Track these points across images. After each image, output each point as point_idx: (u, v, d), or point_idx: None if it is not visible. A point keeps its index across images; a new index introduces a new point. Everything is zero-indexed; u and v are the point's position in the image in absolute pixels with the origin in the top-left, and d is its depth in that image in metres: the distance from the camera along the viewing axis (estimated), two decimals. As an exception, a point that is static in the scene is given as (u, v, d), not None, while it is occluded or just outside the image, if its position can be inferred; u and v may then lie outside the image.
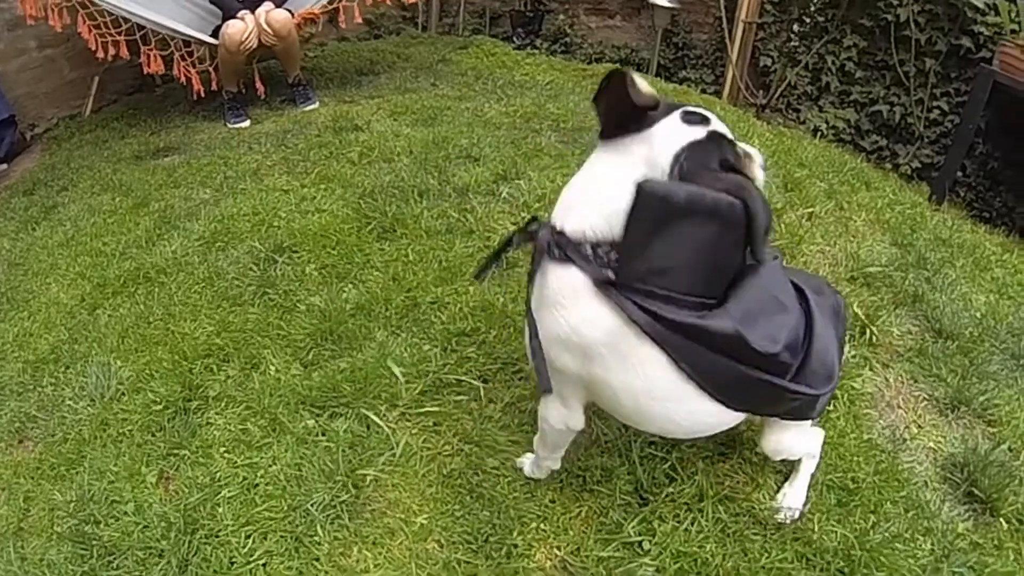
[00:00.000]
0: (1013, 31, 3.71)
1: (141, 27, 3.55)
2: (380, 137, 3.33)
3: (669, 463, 1.56)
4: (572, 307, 1.15)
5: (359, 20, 4.04)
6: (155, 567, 1.41)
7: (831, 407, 1.84)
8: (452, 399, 1.67)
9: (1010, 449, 1.84)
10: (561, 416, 1.29)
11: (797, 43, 4.66)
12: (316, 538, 1.40)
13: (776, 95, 4.68)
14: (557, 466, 1.47)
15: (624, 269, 1.11)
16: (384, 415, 1.63)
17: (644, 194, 1.08)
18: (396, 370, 1.70)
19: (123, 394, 1.87)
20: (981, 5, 4.01)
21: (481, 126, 3.43)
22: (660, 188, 1.09)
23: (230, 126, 3.82)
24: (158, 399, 1.80)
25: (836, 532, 1.51)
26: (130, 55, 3.60)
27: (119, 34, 3.51)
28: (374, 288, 2.09)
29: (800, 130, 4.54)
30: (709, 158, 1.13)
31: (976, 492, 1.67)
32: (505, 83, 4.28)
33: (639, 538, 1.41)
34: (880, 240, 2.75)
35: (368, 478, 1.49)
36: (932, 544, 1.53)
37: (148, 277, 2.40)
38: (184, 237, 2.62)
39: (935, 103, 4.46)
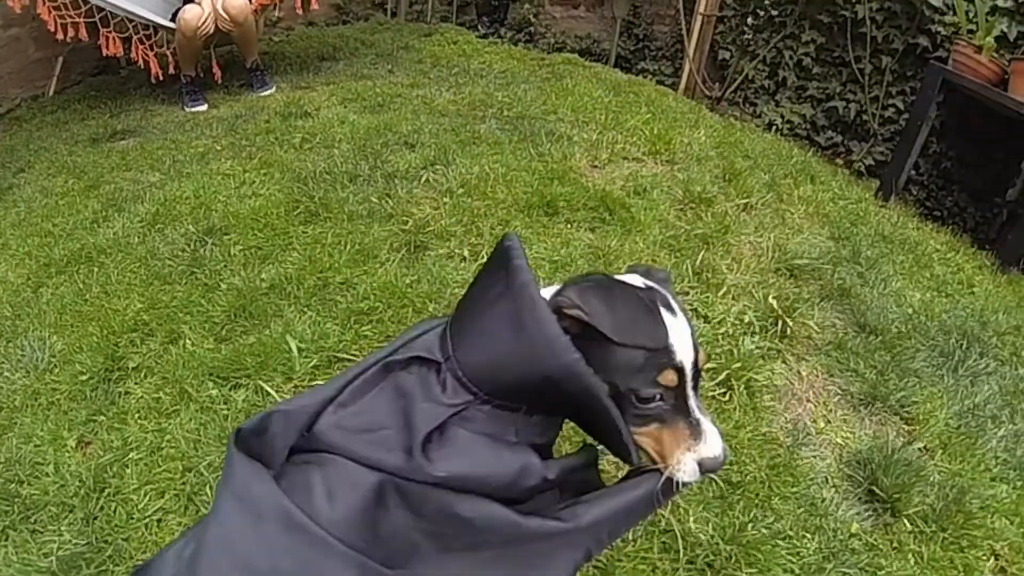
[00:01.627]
0: (970, 31, 3.85)
1: (100, 9, 3.72)
2: (326, 123, 3.52)
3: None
4: None
5: (315, 7, 4.22)
6: (65, 521, 1.62)
7: (728, 397, 1.95)
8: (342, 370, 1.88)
9: (925, 448, 1.95)
10: None
11: (753, 37, 4.84)
12: (204, 497, 1.61)
13: (732, 88, 4.87)
14: None
15: None
16: (279, 387, 1.84)
17: None
18: (293, 345, 1.91)
19: (55, 366, 2.07)
20: (939, 4, 4.15)
21: (427, 113, 3.62)
22: None
23: (187, 110, 4.00)
24: (84, 370, 2.00)
25: (710, 525, 1.61)
26: (90, 37, 3.78)
27: (78, 16, 3.69)
28: (290, 269, 2.29)
29: (755, 124, 4.72)
30: None
31: (876, 491, 1.77)
32: (460, 71, 4.46)
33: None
34: (817, 233, 2.88)
35: (255, 441, 1.70)
36: (820, 543, 1.62)
37: (90, 257, 2.58)
38: (127, 219, 2.80)
39: (890, 101, 4.64)
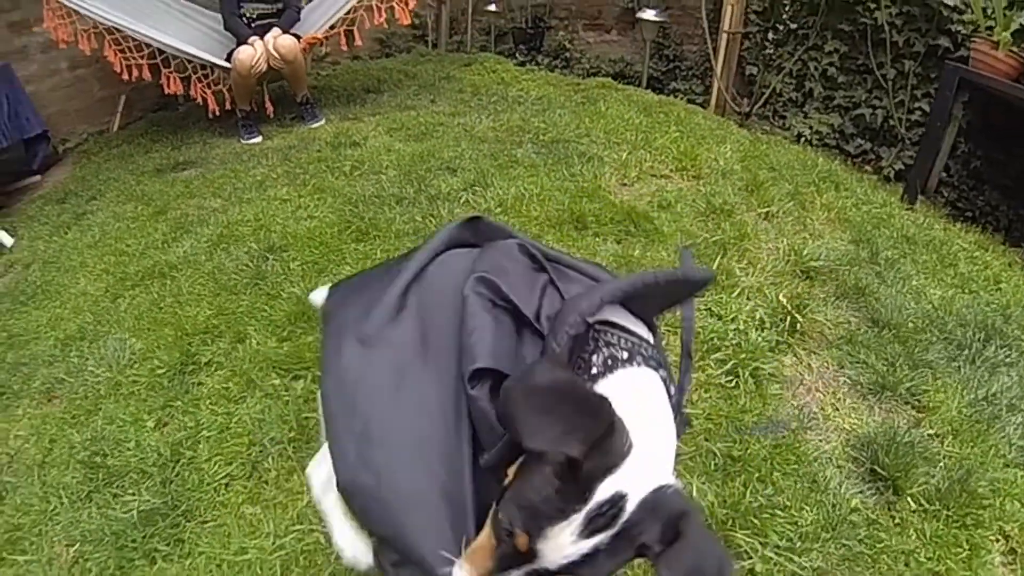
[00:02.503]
0: (988, 27, 3.87)
1: (162, 51, 4.11)
2: (373, 152, 3.84)
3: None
4: None
5: (359, 44, 4.56)
6: (144, 485, 1.90)
7: (733, 384, 2.13)
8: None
9: (935, 435, 2.05)
10: None
11: (774, 51, 5.03)
12: (267, 465, 1.88)
13: (760, 103, 5.07)
14: None
15: None
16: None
17: None
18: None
19: (135, 362, 2.37)
20: (956, 3, 4.20)
21: (467, 140, 3.91)
22: None
23: (243, 142, 4.36)
24: (161, 365, 2.30)
25: (711, 493, 1.78)
26: (152, 77, 4.17)
27: (142, 58, 4.09)
28: (342, 278, 2.57)
29: (784, 136, 4.90)
30: None
31: (879, 470, 1.88)
32: (499, 98, 4.76)
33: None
34: (838, 237, 3.04)
35: (311, 421, 1.97)
36: (818, 515, 1.74)
37: (162, 272, 2.91)
38: (195, 240, 3.13)
39: (916, 104, 4.71)
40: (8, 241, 3.58)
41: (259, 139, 4.39)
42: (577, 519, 0.85)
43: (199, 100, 4.35)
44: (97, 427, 2.12)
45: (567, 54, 6.11)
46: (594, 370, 1.05)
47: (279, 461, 1.90)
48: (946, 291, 2.75)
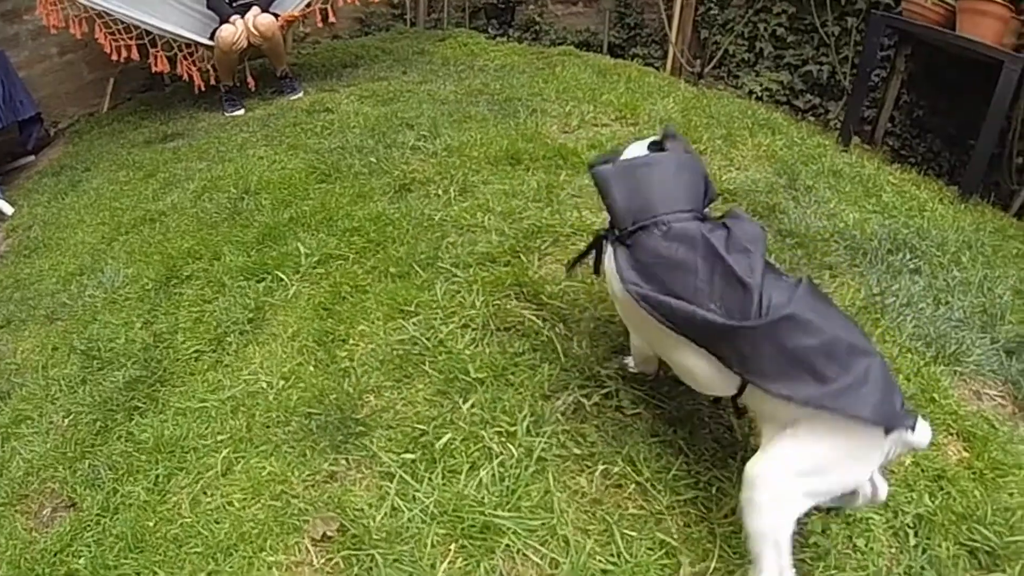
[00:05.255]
0: None
1: (149, 32, 4.61)
2: (344, 115, 4.33)
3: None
4: None
5: (333, 21, 5.07)
6: (130, 361, 2.41)
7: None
8: (335, 265, 2.65)
9: None
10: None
11: (720, 13, 5.53)
12: (229, 340, 2.40)
13: (713, 64, 5.56)
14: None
15: None
16: (290, 276, 2.61)
17: None
18: (301, 248, 2.69)
19: (127, 284, 2.87)
20: None
21: (429, 102, 4.39)
22: None
23: (227, 115, 4.86)
24: (149, 282, 2.81)
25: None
26: (140, 57, 4.68)
27: (130, 39, 4.57)
28: (306, 210, 3.07)
29: (738, 95, 5.37)
30: None
31: None
32: (466, 67, 5.25)
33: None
34: (762, 170, 3.38)
35: (267, 306, 2.49)
36: None
37: (152, 219, 3.41)
38: (181, 192, 3.62)
39: (859, 59, 5.21)
40: (9, 210, 4.08)
41: (242, 112, 4.88)
42: None
43: (185, 77, 4.87)
44: (94, 331, 2.63)
45: (536, 27, 6.59)
46: None
47: (238, 338, 2.40)
48: (863, 215, 3.01)
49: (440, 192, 3.09)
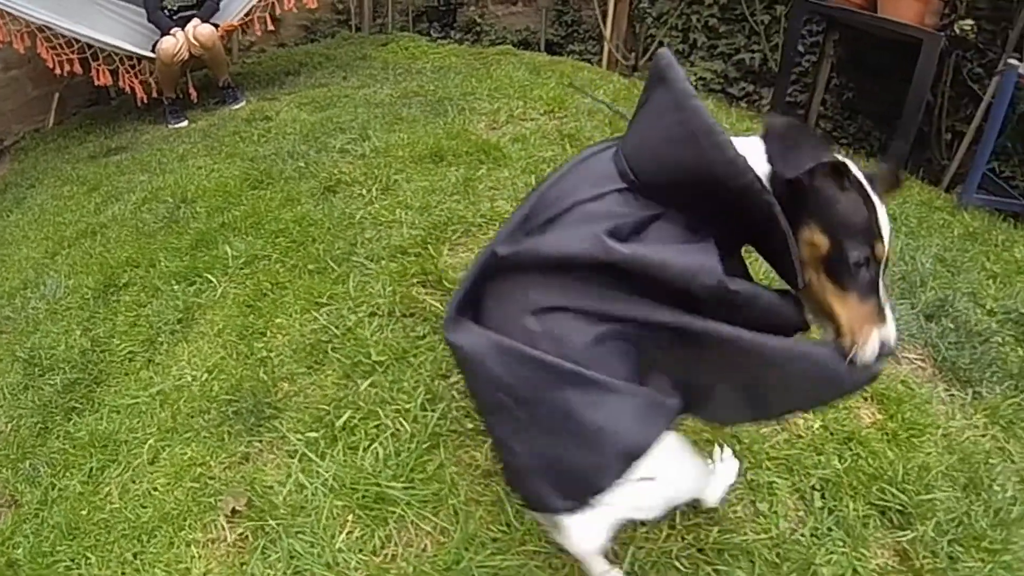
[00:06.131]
0: None
1: (91, 46, 4.75)
2: (282, 123, 4.51)
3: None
4: None
5: (272, 29, 5.25)
6: (68, 365, 2.58)
7: None
8: (260, 265, 2.84)
9: None
10: None
11: (648, 6, 5.76)
12: (161, 339, 2.58)
13: (647, 56, 5.79)
14: None
15: None
16: (219, 278, 2.80)
17: None
18: (230, 251, 2.88)
19: (68, 295, 3.03)
20: None
21: (365, 106, 4.58)
22: None
23: (171, 127, 5.02)
24: (88, 291, 2.98)
25: None
26: (83, 71, 4.82)
27: (72, 53, 4.71)
28: (237, 215, 3.26)
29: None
30: None
31: None
32: (404, 71, 5.44)
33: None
34: None
35: (196, 307, 2.67)
36: None
37: (93, 231, 3.56)
38: (122, 204, 3.78)
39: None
40: (-46, 231, 4.23)
41: (185, 123, 5.04)
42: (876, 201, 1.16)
43: (128, 90, 5.02)
44: (36, 340, 2.79)
45: (478, 28, 6.80)
46: None
47: (169, 337, 2.59)
48: None
49: (364, 192, 3.27)
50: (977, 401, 2.23)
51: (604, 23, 5.82)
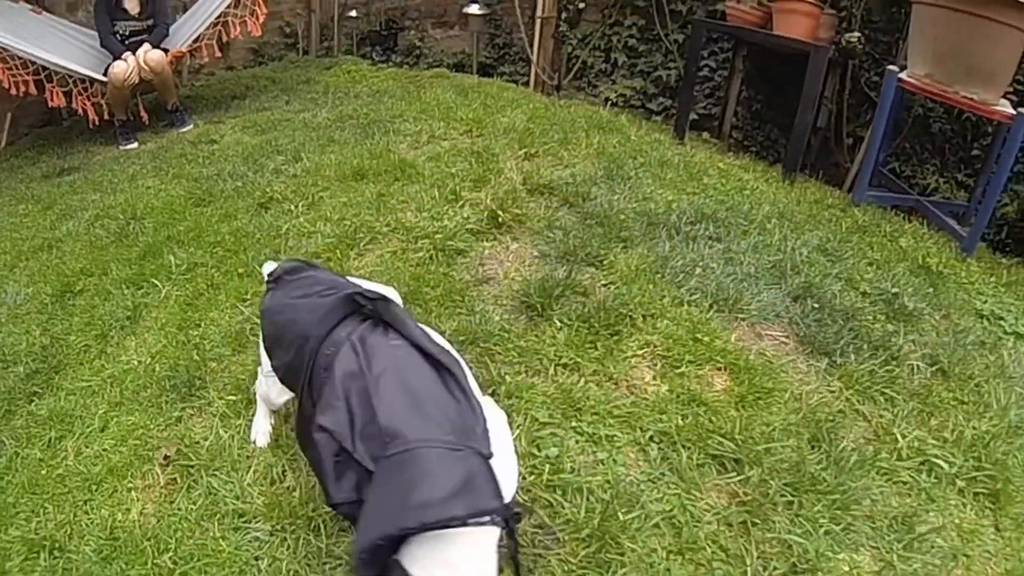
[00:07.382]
0: None
1: (45, 68, 5.21)
2: (226, 146, 5.05)
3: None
4: None
5: (219, 55, 5.79)
6: (31, 361, 3.08)
7: (430, 259, 3.13)
8: (199, 271, 3.37)
9: (608, 283, 2.82)
10: None
11: (570, 31, 6.39)
12: (112, 335, 3.10)
13: (570, 75, 6.40)
14: None
15: None
16: (163, 282, 3.33)
17: None
18: (174, 260, 3.41)
19: (28, 301, 3.53)
20: None
21: (303, 129, 5.11)
22: None
23: (121, 148, 5.52)
24: (47, 296, 3.48)
25: None
26: (37, 92, 5.27)
27: (27, 74, 5.16)
28: (181, 230, 3.78)
29: (595, 103, 6.18)
30: None
31: (529, 302, 2.77)
32: (344, 94, 5.99)
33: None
34: (589, 166, 3.92)
35: (143, 306, 3.20)
36: (463, 325, 2.72)
37: (50, 245, 4.05)
38: (76, 221, 4.27)
39: (704, 63, 6.08)
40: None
41: (135, 145, 5.54)
42: None
43: (80, 112, 5.52)
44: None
45: (417, 51, 7.39)
46: None
47: (119, 332, 3.11)
48: (678, 196, 3.45)
49: (292, 208, 3.80)
50: (834, 369, 2.55)
51: (530, 45, 6.42)
